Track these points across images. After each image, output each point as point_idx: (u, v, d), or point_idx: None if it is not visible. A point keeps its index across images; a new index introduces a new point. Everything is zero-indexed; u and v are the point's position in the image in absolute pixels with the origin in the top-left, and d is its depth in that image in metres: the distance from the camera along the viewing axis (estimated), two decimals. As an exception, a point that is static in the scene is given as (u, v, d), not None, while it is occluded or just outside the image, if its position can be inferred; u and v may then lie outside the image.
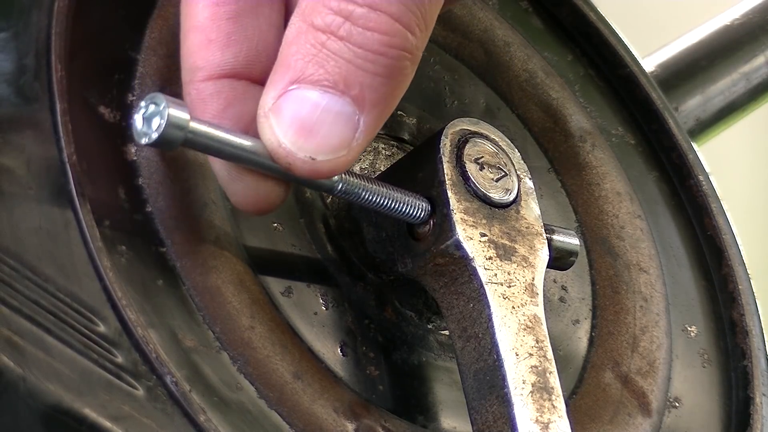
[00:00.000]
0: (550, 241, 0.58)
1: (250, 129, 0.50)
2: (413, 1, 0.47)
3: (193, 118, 0.47)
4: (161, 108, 0.46)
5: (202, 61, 0.50)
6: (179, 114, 0.47)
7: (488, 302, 0.52)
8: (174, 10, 0.56)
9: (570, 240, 0.59)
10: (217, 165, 0.51)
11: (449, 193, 0.54)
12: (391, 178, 0.58)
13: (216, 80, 0.50)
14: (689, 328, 0.69)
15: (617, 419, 0.62)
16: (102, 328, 0.46)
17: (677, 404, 0.65)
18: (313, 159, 0.48)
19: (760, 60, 0.90)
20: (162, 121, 0.46)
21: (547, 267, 0.60)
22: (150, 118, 0.47)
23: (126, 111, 0.53)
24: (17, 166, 0.47)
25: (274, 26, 0.51)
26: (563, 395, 0.52)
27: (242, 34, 0.50)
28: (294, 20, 0.48)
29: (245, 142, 0.49)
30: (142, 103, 0.47)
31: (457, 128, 0.56)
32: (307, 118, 0.48)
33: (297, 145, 0.48)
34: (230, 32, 0.50)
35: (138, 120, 0.47)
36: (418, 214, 0.54)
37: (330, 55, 0.47)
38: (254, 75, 0.51)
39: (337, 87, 0.48)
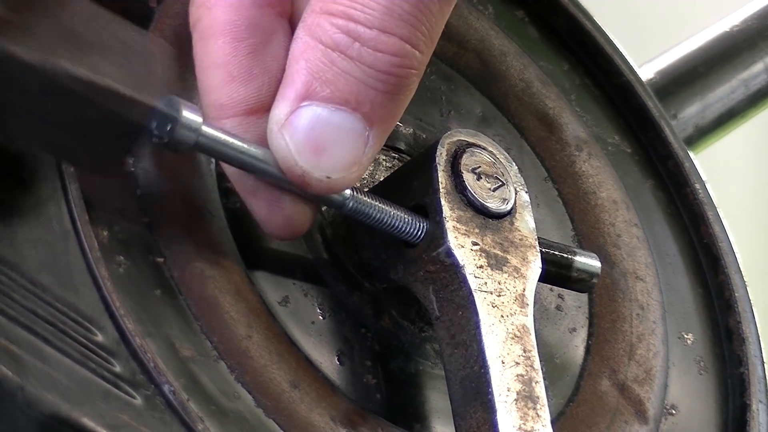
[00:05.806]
0: (572, 263, 0.58)
1: None
2: (421, 21, 0.48)
3: (205, 122, 0.48)
4: (175, 110, 0.47)
5: (226, 98, 0.50)
6: (192, 117, 0.48)
7: (476, 310, 0.52)
8: (170, 22, 0.57)
9: (592, 262, 0.60)
10: (250, 200, 0.52)
11: (442, 201, 0.54)
12: (388, 186, 0.58)
13: (243, 117, 0.50)
14: (686, 336, 0.69)
15: (614, 427, 0.62)
16: (100, 338, 0.46)
17: (674, 411, 0.65)
18: (328, 178, 0.49)
19: (758, 66, 0.90)
20: (175, 122, 0.47)
21: (568, 289, 0.60)
22: (163, 119, 0.48)
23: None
24: (15, 177, 0.47)
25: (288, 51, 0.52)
26: (550, 405, 0.52)
27: (262, 67, 0.51)
28: (300, 34, 0.49)
29: (256, 151, 0.50)
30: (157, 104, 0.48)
31: (454, 138, 0.57)
32: (320, 137, 0.49)
33: (313, 164, 0.49)
34: (251, 66, 0.50)
35: (152, 120, 0.48)
36: (416, 233, 0.55)
37: (340, 73, 0.48)
38: None
39: (348, 105, 0.48)
